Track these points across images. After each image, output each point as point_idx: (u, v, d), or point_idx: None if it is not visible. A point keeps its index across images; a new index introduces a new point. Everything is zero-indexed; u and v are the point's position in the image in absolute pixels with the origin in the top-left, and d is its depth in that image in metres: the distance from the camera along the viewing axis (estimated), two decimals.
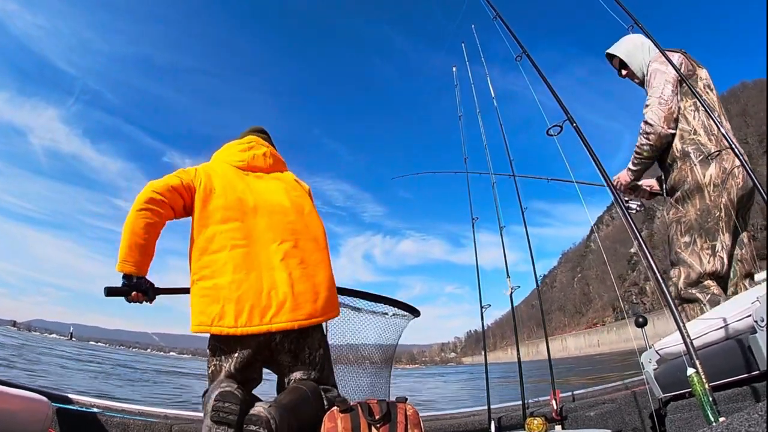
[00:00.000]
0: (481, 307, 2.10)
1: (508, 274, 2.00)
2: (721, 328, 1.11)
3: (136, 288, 1.30)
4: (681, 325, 0.83)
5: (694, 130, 1.80)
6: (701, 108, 1.77)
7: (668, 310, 0.86)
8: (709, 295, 1.68)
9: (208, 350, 1.29)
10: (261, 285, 1.29)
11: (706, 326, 1.16)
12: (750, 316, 1.00)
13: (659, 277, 0.95)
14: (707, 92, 1.84)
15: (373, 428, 1.12)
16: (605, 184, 1.15)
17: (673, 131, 1.82)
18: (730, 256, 1.77)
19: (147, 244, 1.29)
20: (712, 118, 1.53)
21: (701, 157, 1.76)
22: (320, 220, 1.56)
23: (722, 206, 1.72)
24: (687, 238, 1.78)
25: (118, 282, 1.26)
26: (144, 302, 1.33)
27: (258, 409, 1.05)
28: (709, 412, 0.73)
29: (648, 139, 1.86)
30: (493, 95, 2.47)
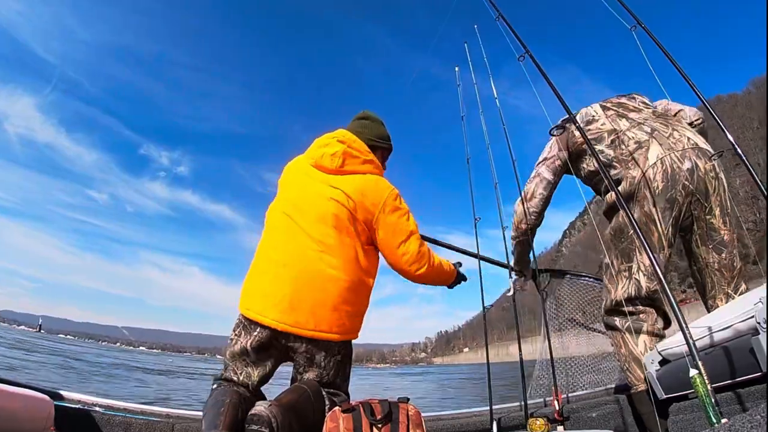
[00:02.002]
0: (484, 308, 2.10)
1: (510, 275, 2.00)
2: (723, 329, 1.11)
3: None
4: (684, 325, 0.83)
5: (596, 173, 1.78)
6: (593, 155, 1.57)
7: (670, 310, 0.86)
8: (628, 323, 1.57)
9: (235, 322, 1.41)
10: (270, 278, 1.35)
11: (709, 327, 1.16)
12: (753, 317, 0.99)
13: (662, 278, 0.95)
14: (588, 128, 1.80)
15: (374, 428, 1.12)
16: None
17: (535, 209, 1.88)
18: (658, 275, 1.56)
19: None
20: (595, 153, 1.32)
21: (606, 184, 1.66)
22: (358, 243, 1.41)
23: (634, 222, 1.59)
24: (607, 261, 1.71)
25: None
26: None
27: (259, 408, 1.06)
28: (711, 414, 0.73)
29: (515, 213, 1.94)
30: (495, 95, 2.47)
